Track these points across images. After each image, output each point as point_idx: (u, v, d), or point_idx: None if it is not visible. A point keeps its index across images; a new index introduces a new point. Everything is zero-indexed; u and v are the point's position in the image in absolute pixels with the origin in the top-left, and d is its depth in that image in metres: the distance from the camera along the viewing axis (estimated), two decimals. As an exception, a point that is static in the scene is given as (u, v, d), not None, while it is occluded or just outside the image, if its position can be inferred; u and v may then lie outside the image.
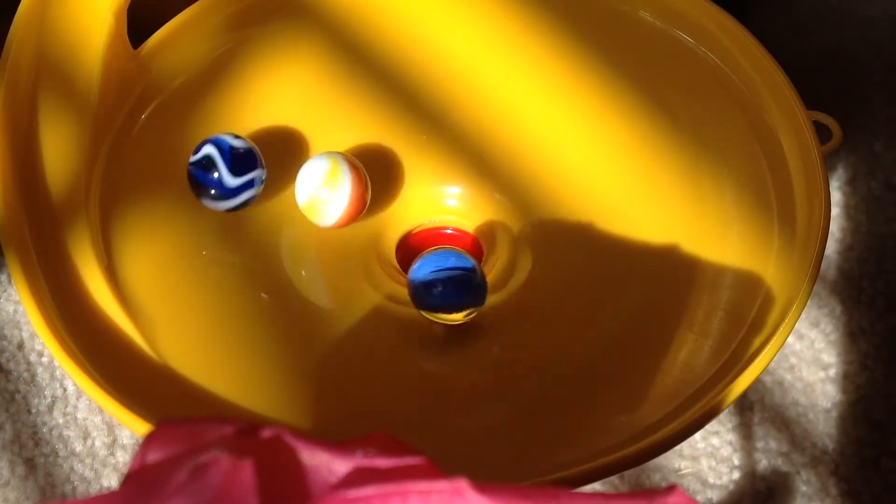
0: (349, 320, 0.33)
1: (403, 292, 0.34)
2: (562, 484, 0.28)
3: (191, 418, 0.21)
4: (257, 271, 0.34)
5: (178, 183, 0.35)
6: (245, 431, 0.20)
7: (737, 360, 0.31)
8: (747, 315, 0.32)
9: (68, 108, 0.35)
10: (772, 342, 0.30)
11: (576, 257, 0.34)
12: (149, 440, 0.21)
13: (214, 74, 0.37)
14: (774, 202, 0.34)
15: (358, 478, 0.20)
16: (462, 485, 0.20)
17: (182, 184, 0.35)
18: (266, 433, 0.20)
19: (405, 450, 0.21)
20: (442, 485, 0.20)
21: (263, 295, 0.33)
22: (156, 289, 0.33)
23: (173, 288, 0.33)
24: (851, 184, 0.52)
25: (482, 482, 0.20)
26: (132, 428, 0.29)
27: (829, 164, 0.52)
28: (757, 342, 0.31)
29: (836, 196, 0.51)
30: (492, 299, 0.34)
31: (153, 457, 0.20)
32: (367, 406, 0.32)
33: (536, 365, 0.32)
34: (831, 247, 0.50)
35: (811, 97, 0.36)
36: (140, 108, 0.36)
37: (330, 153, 0.33)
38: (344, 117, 0.37)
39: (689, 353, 0.31)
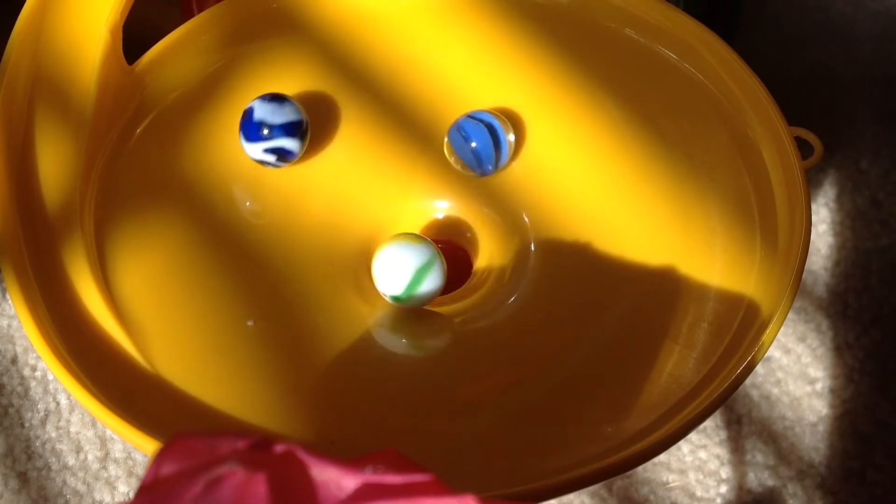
0: (340, 332, 0.33)
1: (391, 304, 0.34)
2: (549, 490, 0.28)
3: (204, 432, 0.21)
4: (250, 285, 0.35)
5: (172, 197, 0.36)
6: (258, 446, 0.21)
7: (720, 370, 0.31)
8: (730, 326, 0.32)
9: (64, 122, 0.35)
10: (754, 353, 0.30)
11: (564, 270, 0.35)
12: (163, 453, 0.21)
13: (208, 90, 0.38)
14: (757, 215, 0.34)
15: (367, 493, 0.20)
16: (469, 501, 0.20)
17: (175, 197, 0.36)
18: (279, 448, 0.21)
19: (413, 466, 0.21)
20: (450, 501, 0.20)
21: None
22: (150, 301, 0.33)
23: (167, 301, 0.33)
24: (838, 200, 0.53)
25: (488, 498, 0.20)
26: (127, 439, 0.30)
27: (815, 181, 0.53)
28: (739, 353, 0.31)
29: (823, 212, 0.52)
30: (482, 311, 0.34)
31: (167, 470, 0.21)
32: (358, 415, 0.32)
33: (525, 375, 0.33)
34: (818, 262, 0.51)
35: (798, 114, 0.36)
36: (135, 124, 0.37)
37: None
38: (336, 132, 0.38)
39: (675, 364, 0.32)
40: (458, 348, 0.34)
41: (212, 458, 0.20)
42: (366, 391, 0.33)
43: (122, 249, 0.34)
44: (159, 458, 0.21)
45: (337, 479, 0.20)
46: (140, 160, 0.36)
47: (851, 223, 0.52)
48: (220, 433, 0.21)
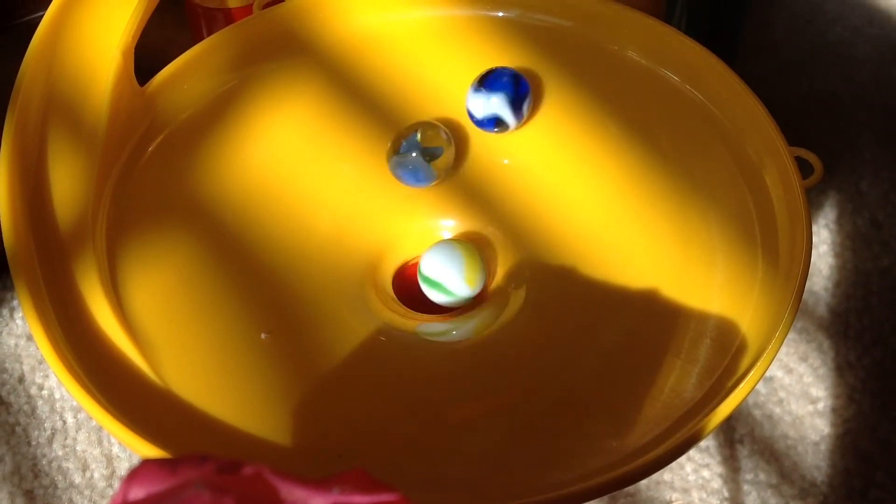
0: (347, 347, 0.34)
1: (399, 320, 0.35)
2: (553, 503, 0.28)
3: (172, 458, 0.21)
4: (259, 301, 0.35)
5: (182, 214, 0.36)
6: (226, 468, 0.21)
7: (722, 385, 0.31)
8: (733, 343, 0.32)
9: (77, 142, 0.36)
10: (756, 368, 0.31)
11: (567, 287, 0.35)
12: (130, 478, 0.21)
13: (218, 110, 0.38)
14: (758, 233, 0.35)
15: (335, 513, 0.20)
16: None
17: (185, 214, 0.36)
18: (247, 470, 0.21)
19: (380, 486, 0.21)
20: None
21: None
22: (160, 317, 0.34)
23: (178, 316, 0.34)
24: (838, 221, 0.53)
25: None
26: (139, 452, 0.30)
27: (816, 203, 0.53)
28: (742, 368, 0.31)
29: (824, 234, 0.52)
30: (486, 328, 0.35)
31: (135, 494, 0.21)
32: (364, 429, 0.32)
33: (530, 390, 0.33)
34: (819, 283, 0.51)
35: (799, 138, 0.37)
36: (146, 143, 0.37)
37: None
38: (343, 152, 0.38)
39: (677, 379, 0.32)
40: (464, 364, 0.34)
41: (179, 482, 0.20)
42: (372, 406, 0.33)
43: (134, 266, 0.35)
44: (127, 483, 0.21)
45: (305, 500, 0.21)
46: (151, 179, 0.37)
47: (852, 244, 0.52)
48: (188, 457, 0.21)
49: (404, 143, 0.36)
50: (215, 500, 0.20)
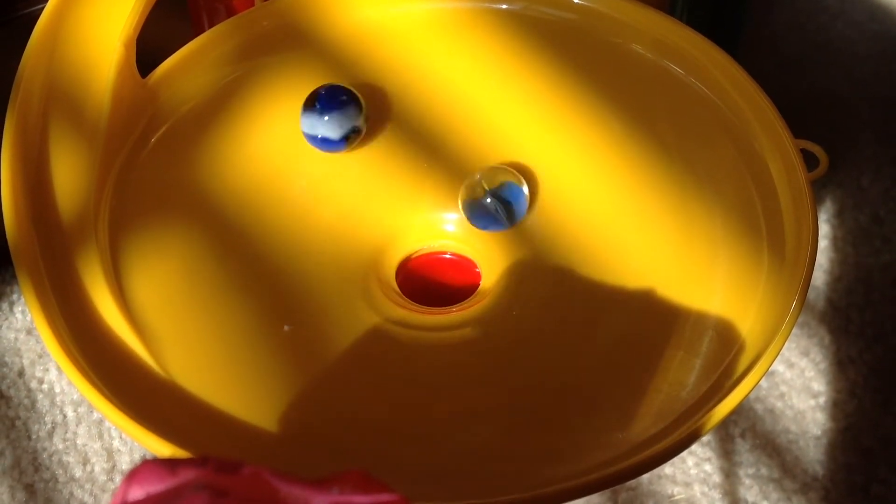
0: (350, 340, 0.34)
1: (402, 314, 0.35)
2: (555, 497, 0.28)
3: (171, 458, 0.21)
4: (262, 293, 0.35)
5: (185, 206, 0.36)
6: (225, 468, 0.21)
7: (726, 378, 0.31)
8: (737, 337, 0.32)
9: (78, 134, 0.36)
10: (759, 364, 0.31)
11: (570, 279, 0.35)
12: (130, 478, 0.21)
13: (220, 102, 0.38)
14: (763, 226, 0.35)
15: (334, 513, 0.21)
16: None
17: (188, 206, 0.36)
18: (246, 470, 0.21)
19: (379, 486, 0.21)
20: None
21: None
22: (164, 309, 0.34)
23: (181, 308, 0.34)
24: (839, 217, 0.53)
25: None
26: (143, 443, 0.30)
27: (817, 198, 0.53)
28: (745, 363, 0.31)
29: (825, 228, 0.52)
30: (490, 321, 0.35)
31: (134, 495, 0.21)
32: (367, 422, 0.32)
33: (533, 383, 0.33)
34: (820, 278, 0.51)
35: (800, 134, 0.37)
36: (148, 135, 0.37)
37: None
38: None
39: (680, 373, 0.32)
40: (467, 357, 0.34)
41: (179, 483, 0.20)
42: (377, 398, 0.33)
43: (136, 258, 0.35)
44: (126, 483, 0.21)
45: (305, 500, 0.21)
46: (153, 170, 0.37)
47: (853, 239, 0.52)
48: (187, 458, 0.21)
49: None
50: (215, 501, 0.20)
